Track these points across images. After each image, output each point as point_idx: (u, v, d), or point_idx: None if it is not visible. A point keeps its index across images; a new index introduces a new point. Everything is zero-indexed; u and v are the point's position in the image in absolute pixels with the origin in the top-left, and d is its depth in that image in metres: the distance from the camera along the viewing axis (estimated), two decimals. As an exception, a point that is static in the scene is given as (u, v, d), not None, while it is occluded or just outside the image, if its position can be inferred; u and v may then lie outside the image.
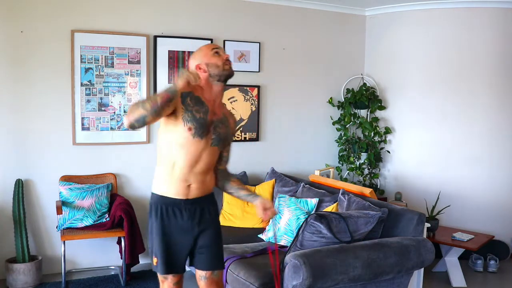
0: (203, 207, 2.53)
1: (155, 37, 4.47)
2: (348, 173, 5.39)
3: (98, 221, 4.10)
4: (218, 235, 2.60)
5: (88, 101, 4.28)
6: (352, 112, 5.32)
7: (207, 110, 2.44)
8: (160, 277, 2.55)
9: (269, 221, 2.69)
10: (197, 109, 2.40)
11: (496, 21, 4.75)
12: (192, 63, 2.50)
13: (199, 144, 2.42)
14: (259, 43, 4.94)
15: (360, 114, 5.34)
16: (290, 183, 4.35)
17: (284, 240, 3.72)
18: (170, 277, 2.51)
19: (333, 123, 5.37)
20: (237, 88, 4.88)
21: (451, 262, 4.35)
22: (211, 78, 2.47)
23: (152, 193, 2.53)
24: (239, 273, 3.16)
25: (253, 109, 4.98)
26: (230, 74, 2.51)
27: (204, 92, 2.48)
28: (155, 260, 2.51)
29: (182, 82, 2.33)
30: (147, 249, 4.41)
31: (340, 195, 3.69)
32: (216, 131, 2.48)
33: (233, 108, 4.85)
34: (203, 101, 2.44)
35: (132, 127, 2.24)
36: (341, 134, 5.35)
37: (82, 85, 4.25)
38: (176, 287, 2.55)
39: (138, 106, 2.22)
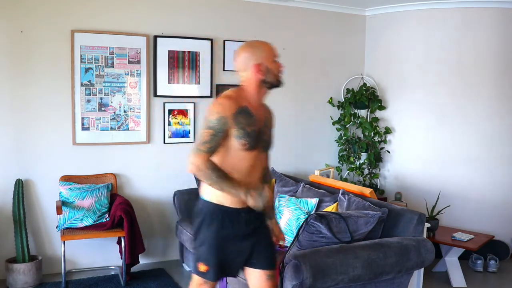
0: (259, 212, 2.46)
1: (155, 37, 4.47)
2: (348, 173, 5.39)
3: (98, 221, 4.09)
4: (271, 235, 2.59)
5: (88, 101, 4.28)
6: (352, 112, 5.32)
7: (255, 120, 2.35)
8: (199, 280, 2.46)
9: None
10: (248, 123, 2.31)
11: (496, 21, 4.75)
12: (248, 59, 2.35)
13: (253, 154, 2.36)
14: (259, 43, 4.93)
15: (360, 114, 5.34)
16: (290, 183, 4.35)
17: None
18: (211, 283, 2.47)
19: (333, 123, 5.37)
20: (237, 88, 4.87)
21: (451, 262, 4.34)
22: (263, 84, 2.39)
23: (207, 201, 2.41)
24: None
25: (253, 109, 4.97)
26: (280, 85, 2.45)
27: (250, 98, 2.38)
28: (204, 267, 2.40)
29: (260, 207, 2.31)
30: (147, 249, 4.43)
31: (340, 195, 3.69)
32: (264, 138, 2.42)
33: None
34: (251, 112, 2.35)
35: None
36: (341, 134, 5.35)
37: (82, 85, 4.24)
38: None
39: (211, 180, 2.26)
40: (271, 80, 2.40)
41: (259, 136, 2.38)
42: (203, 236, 2.41)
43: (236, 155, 2.33)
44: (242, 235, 2.42)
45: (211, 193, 2.40)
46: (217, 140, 2.27)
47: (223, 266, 2.43)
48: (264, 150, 2.46)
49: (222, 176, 2.28)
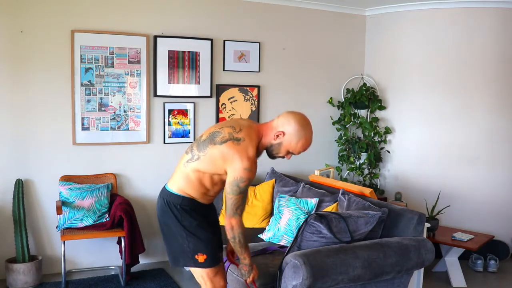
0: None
1: (155, 37, 4.47)
2: (348, 173, 5.39)
3: (98, 221, 4.09)
4: None
5: (88, 101, 4.28)
6: (352, 112, 5.32)
7: None
8: (211, 271, 2.59)
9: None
10: None
11: (496, 21, 4.75)
12: (286, 126, 2.48)
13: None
14: (259, 43, 4.94)
15: (360, 114, 5.34)
16: (290, 183, 4.35)
17: (284, 240, 3.72)
18: (221, 263, 2.65)
19: (333, 123, 5.37)
20: (237, 88, 4.88)
21: (451, 262, 4.35)
22: (270, 147, 2.54)
23: (184, 197, 2.55)
24: (239, 273, 3.15)
25: (253, 109, 4.98)
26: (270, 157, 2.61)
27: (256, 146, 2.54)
28: (202, 257, 2.53)
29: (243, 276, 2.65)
30: (147, 249, 4.43)
31: (340, 195, 3.69)
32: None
33: (233, 108, 4.86)
34: None
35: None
36: (341, 134, 5.35)
37: (82, 85, 4.24)
38: (225, 274, 2.71)
39: (235, 240, 2.49)
40: (274, 151, 2.55)
41: None
42: (191, 229, 2.54)
43: (215, 182, 2.53)
44: (212, 222, 2.67)
45: (190, 192, 2.55)
46: (245, 199, 2.47)
47: (214, 250, 2.60)
48: None
49: (245, 241, 2.51)
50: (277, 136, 2.49)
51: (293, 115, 2.50)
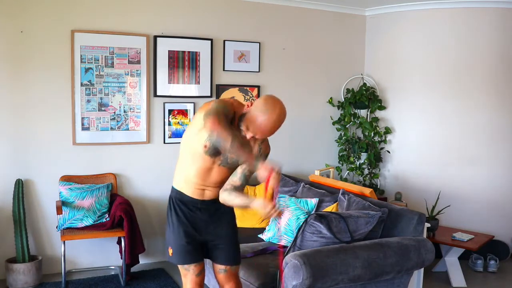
0: (218, 207, 2.64)
1: (155, 37, 4.47)
2: (348, 173, 5.39)
3: (98, 221, 4.09)
4: (234, 233, 2.75)
5: (88, 101, 4.28)
6: (352, 112, 5.32)
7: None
8: (182, 270, 2.64)
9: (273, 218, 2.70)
10: None
11: (496, 21, 4.75)
12: (255, 101, 2.44)
13: (208, 161, 2.50)
14: (259, 43, 4.94)
15: (360, 114, 5.34)
16: (290, 183, 4.35)
17: (284, 240, 3.72)
18: (192, 268, 2.60)
19: (333, 123, 5.37)
20: (237, 88, 4.88)
21: (451, 262, 4.35)
22: (239, 118, 2.47)
23: (174, 188, 2.68)
24: (239, 273, 3.15)
25: (253, 109, 4.97)
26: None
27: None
28: (170, 250, 2.63)
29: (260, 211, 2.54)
30: (147, 249, 4.42)
31: (340, 195, 3.69)
32: (226, 155, 2.51)
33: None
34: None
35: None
36: (341, 134, 5.35)
37: (82, 85, 4.24)
38: (199, 278, 2.63)
39: (230, 137, 2.29)
40: (238, 122, 2.45)
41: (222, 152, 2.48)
42: (171, 220, 2.64)
43: (196, 153, 2.49)
44: (201, 221, 2.62)
45: (177, 181, 2.65)
46: (227, 112, 2.38)
47: (188, 248, 2.59)
48: (223, 165, 2.55)
49: (236, 135, 2.35)
50: (247, 106, 2.48)
51: (267, 95, 2.47)
